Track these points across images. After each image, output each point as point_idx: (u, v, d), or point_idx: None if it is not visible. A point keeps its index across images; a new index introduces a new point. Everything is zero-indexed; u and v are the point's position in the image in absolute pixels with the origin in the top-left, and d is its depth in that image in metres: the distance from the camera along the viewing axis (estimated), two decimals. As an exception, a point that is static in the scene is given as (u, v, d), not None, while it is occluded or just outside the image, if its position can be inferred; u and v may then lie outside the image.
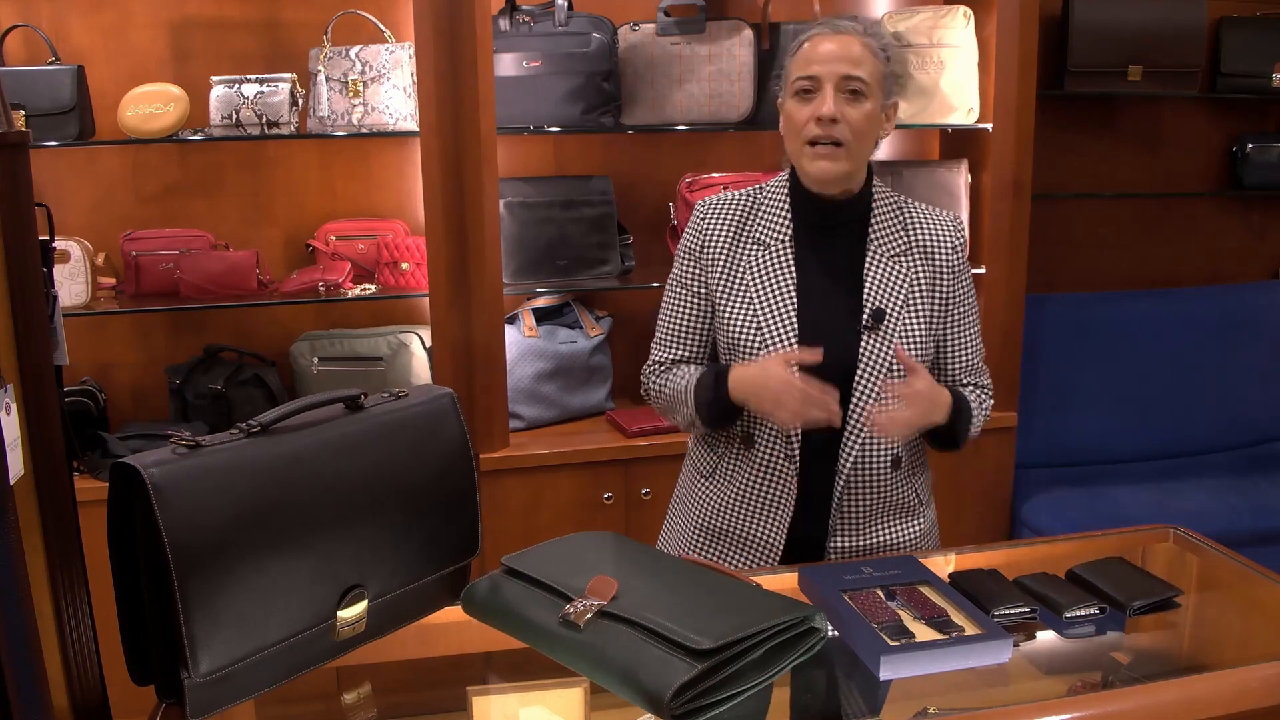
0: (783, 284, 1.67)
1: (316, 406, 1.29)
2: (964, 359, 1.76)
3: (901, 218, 1.71)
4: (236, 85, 2.61)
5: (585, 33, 2.69)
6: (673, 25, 2.72)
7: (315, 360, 2.80)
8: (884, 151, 3.20)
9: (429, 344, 2.78)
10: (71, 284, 2.65)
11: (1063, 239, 3.40)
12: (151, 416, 2.90)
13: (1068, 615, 1.45)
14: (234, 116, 2.61)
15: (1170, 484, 3.04)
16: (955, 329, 1.74)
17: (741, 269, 1.70)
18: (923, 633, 1.34)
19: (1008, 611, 1.43)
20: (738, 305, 1.69)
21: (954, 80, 2.86)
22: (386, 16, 2.73)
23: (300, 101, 2.68)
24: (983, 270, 2.94)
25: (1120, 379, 3.26)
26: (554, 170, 3.01)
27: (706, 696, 1.13)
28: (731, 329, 1.69)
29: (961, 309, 1.74)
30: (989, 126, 2.88)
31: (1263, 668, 1.29)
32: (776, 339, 1.65)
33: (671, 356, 1.77)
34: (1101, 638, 1.45)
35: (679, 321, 1.77)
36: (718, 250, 1.72)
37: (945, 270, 1.71)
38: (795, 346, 1.64)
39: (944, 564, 1.62)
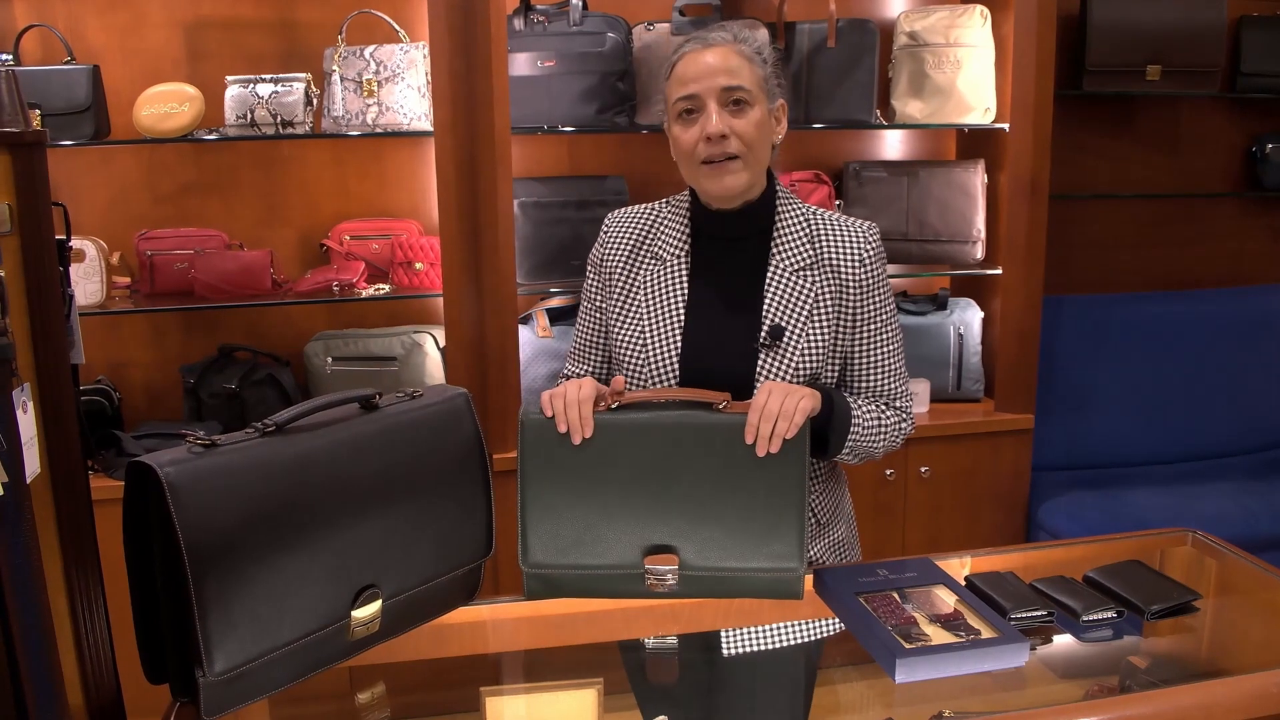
0: (673, 300, 1.61)
1: (331, 406, 1.29)
2: (873, 379, 1.64)
3: (808, 230, 1.62)
4: (251, 85, 2.62)
5: (600, 32, 2.68)
6: (688, 25, 2.72)
7: (329, 360, 2.80)
8: (899, 151, 3.20)
9: (443, 344, 2.78)
10: (87, 283, 2.66)
11: (1080, 240, 3.38)
12: (166, 416, 2.91)
13: (1085, 619, 1.43)
14: (249, 116, 2.61)
15: (1188, 487, 3.01)
16: (864, 346, 1.63)
17: (637, 285, 1.65)
18: (938, 635, 1.33)
19: (1024, 615, 1.42)
20: (629, 322, 1.64)
21: (971, 80, 2.84)
22: (401, 16, 2.74)
23: (315, 101, 2.69)
24: (999, 271, 2.92)
25: (1138, 381, 3.24)
26: (568, 170, 3.01)
27: None
28: (621, 347, 1.64)
29: (872, 325, 1.62)
30: (1006, 126, 2.86)
31: (1283, 673, 1.28)
32: (660, 358, 1.59)
33: (576, 371, 1.75)
34: (1119, 642, 1.44)
35: (583, 336, 1.74)
36: (616, 265, 1.67)
37: (852, 284, 1.60)
38: (677, 367, 1.59)
39: (960, 567, 1.61)
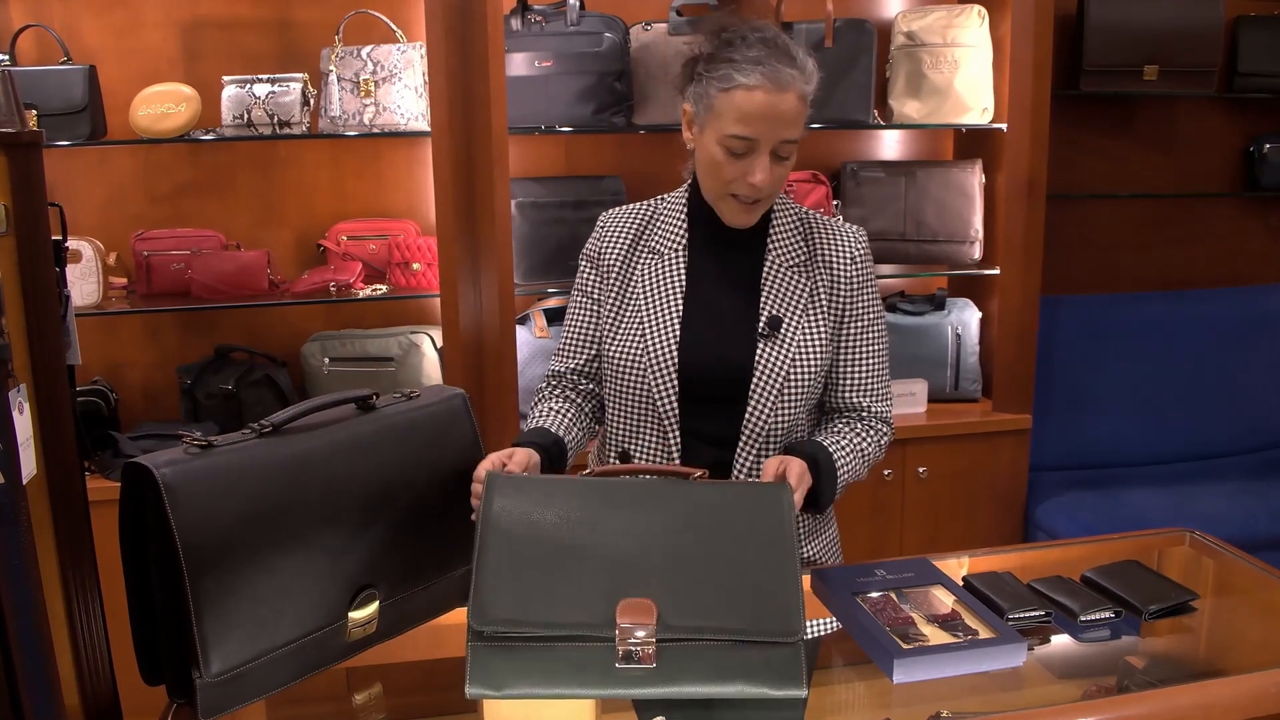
0: (671, 292, 1.63)
1: (328, 407, 1.29)
2: (857, 376, 1.67)
3: (802, 229, 1.66)
4: (248, 85, 2.62)
5: (597, 32, 2.68)
6: (685, 25, 2.71)
7: (326, 361, 2.80)
8: (897, 151, 3.20)
9: (440, 344, 2.78)
10: (83, 284, 2.66)
11: (1078, 240, 3.38)
12: (163, 416, 2.90)
13: (1082, 619, 1.44)
14: (245, 116, 2.61)
15: (1186, 487, 3.02)
16: (851, 341, 1.66)
17: (634, 279, 1.66)
18: (936, 636, 1.33)
19: (1022, 615, 1.42)
20: (626, 315, 1.65)
21: (968, 80, 2.84)
22: (398, 16, 2.74)
23: (312, 101, 2.68)
24: (997, 271, 2.92)
25: (1136, 381, 3.24)
26: (565, 170, 3.01)
27: None
28: (618, 339, 1.64)
29: (860, 322, 1.66)
30: (1003, 126, 2.86)
31: (1279, 672, 1.28)
32: (659, 348, 1.60)
33: (562, 367, 1.73)
34: (1116, 642, 1.44)
35: (575, 330, 1.72)
36: (613, 258, 1.68)
37: (844, 281, 1.65)
38: (676, 358, 1.59)
39: (958, 567, 1.61)
